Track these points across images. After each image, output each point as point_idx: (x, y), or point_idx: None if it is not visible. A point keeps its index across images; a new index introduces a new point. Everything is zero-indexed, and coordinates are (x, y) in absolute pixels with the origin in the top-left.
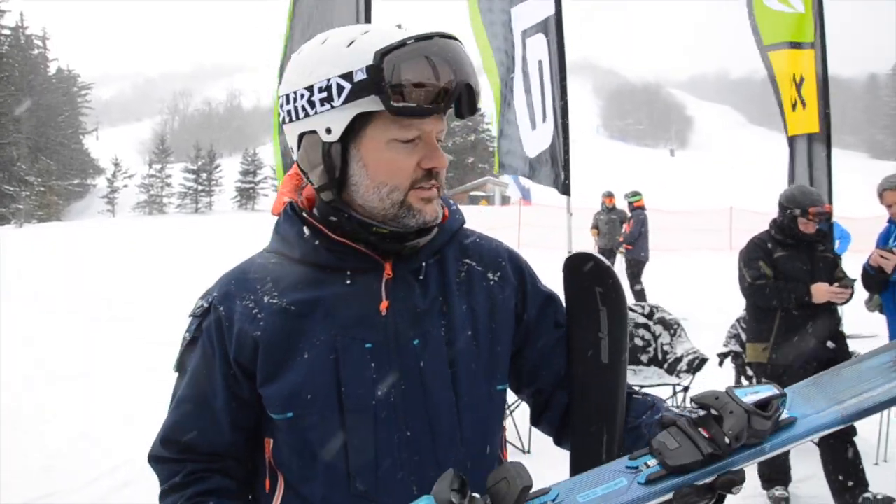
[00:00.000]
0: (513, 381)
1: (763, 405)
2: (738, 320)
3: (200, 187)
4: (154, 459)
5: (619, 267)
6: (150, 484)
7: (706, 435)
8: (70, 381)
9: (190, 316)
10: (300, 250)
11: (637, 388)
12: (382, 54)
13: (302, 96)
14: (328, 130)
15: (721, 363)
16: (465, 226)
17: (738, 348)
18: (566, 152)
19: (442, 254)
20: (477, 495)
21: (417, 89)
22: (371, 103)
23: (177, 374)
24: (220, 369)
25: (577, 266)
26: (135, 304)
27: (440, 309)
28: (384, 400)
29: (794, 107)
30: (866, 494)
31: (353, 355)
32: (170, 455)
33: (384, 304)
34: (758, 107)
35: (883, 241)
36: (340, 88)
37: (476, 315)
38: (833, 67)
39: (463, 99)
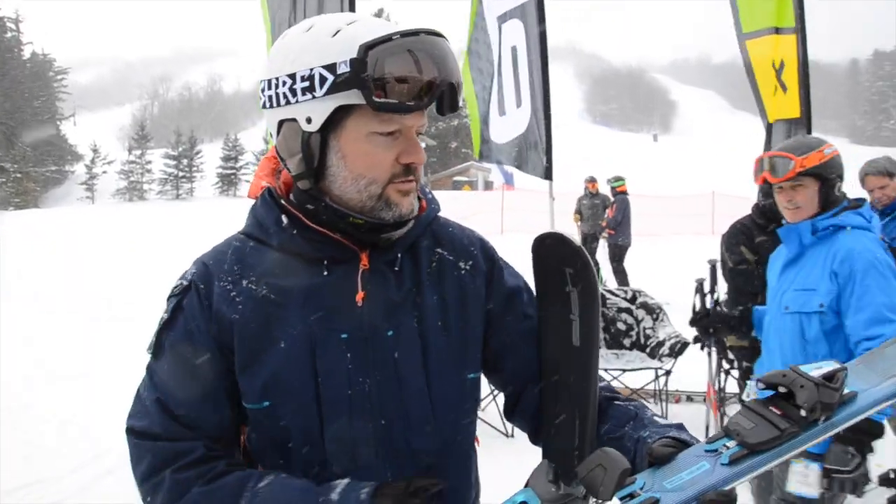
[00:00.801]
0: (484, 371)
1: (828, 378)
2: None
3: (181, 173)
4: (147, 436)
5: (602, 252)
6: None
7: (778, 412)
8: (69, 379)
9: (168, 297)
10: (277, 238)
11: (620, 395)
12: (367, 48)
13: (284, 83)
14: (308, 120)
15: (703, 347)
16: (440, 214)
17: None
18: (549, 137)
19: (416, 244)
20: (570, 488)
21: (400, 85)
22: (352, 97)
23: (151, 357)
24: (205, 344)
25: (546, 246)
26: (132, 301)
27: (413, 300)
28: (360, 390)
29: (774, 91)
30: None
31: (329, 346)
32: (169, 434)
33: (360, 296)
34: (741, 92)
35: None
36: (323, 79)
37: (447, 305)
38: (814, 53)
39: (445, 96)
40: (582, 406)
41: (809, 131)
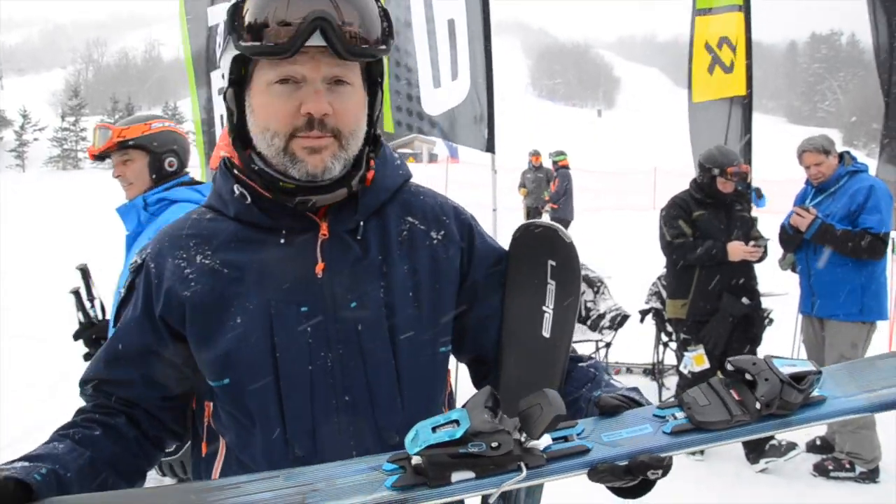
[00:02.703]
0: (454, 344)
1: (798, 378)
2: (658, 278)
3: None
4: (80, 394)
5: None
6: None
7: (737, 397)
8: None
9: (128, 271)
10: (234, 208)
11: (583, 357)
12: None
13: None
14: (223, 76)
15: (642, 320)
16: (412, 181)
17: (658, 305)
18: (490, 110)
19: (383, 212)
20: (506, 417)
21: (268, 28)
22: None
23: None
24: (141, 324)
25: (533, 235)
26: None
27: (380, 269)
28: (321, 365)
29: (710, 71)
30: (772, 441)
31: (287, 320)
32: (88, 392)
33: (320, 266)
34: (684, 70)
35: (800, 202)
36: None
37: (418, 276)
38: (755, 33)
39: (330, 36)
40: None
41: (751, 109)
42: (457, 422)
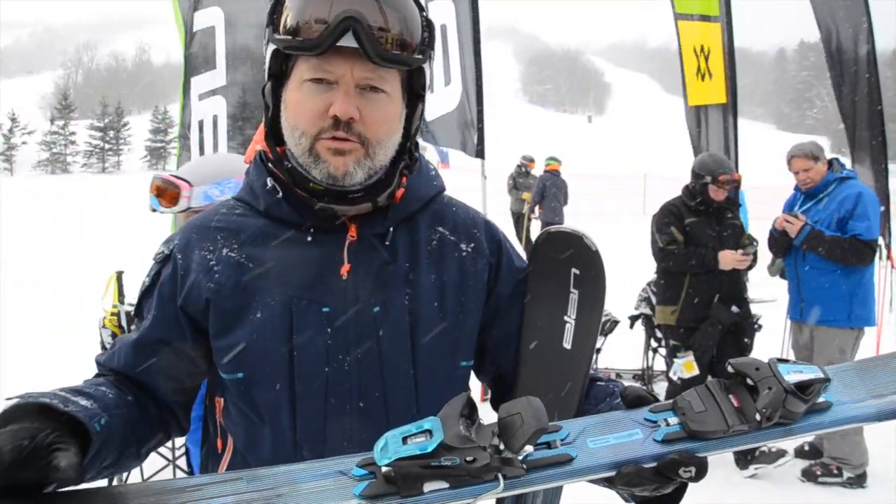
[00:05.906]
0: (475, 364)
1: (804, 386)
2: (648, 284)
3: (108, 146)
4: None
5: (536, 231)
6: None
7: (735, 403)
8: None
9: (152, 260)
10: (264, 202)
11: (601, 377)
12: None
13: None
14: (263, 71)
15: (632, 326)
16: (446, 193)
17: (648, 311)
18: (480, 116)
19: (413, 220)
20: (485, 423)
21: (304, 24)
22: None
23: (135, 317)
24: (163, 316)
25: (557, 241)
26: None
27: (406, 276)
28: (338, 368)
29: (702, 77)
30: (762, 448)
31: (308, 319)
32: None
33: (345, 268)
34: (673, 77)
35: (788, 208)
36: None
37: (444, 286)
38: (743, 41)
39: (361, 37)
40: (563, 409)
41: (736, 117)
42: (429, 432)
